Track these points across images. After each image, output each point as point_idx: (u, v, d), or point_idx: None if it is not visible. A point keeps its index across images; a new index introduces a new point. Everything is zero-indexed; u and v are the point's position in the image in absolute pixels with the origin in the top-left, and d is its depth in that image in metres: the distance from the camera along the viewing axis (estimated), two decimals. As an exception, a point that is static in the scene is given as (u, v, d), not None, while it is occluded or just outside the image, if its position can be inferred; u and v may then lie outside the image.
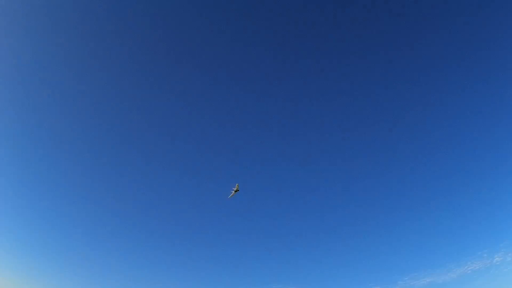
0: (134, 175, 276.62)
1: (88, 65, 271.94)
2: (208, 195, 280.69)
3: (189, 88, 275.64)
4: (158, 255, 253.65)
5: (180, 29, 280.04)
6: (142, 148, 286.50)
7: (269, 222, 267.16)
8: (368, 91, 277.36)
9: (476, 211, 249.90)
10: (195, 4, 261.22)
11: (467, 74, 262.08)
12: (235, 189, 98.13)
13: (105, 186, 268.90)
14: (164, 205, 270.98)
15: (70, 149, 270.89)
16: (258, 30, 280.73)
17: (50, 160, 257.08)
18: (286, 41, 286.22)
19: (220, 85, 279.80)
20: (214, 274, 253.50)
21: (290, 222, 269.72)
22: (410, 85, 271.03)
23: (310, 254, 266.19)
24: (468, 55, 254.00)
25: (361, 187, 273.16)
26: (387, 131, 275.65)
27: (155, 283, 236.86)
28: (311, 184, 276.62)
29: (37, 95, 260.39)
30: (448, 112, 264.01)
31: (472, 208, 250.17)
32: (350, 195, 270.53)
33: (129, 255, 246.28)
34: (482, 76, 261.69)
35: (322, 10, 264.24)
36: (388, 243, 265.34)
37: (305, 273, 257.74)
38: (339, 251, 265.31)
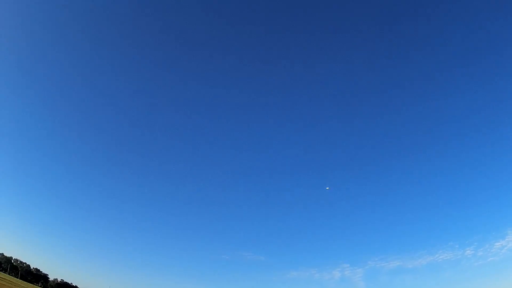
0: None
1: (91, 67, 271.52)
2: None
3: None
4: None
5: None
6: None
7: (251, 195, 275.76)
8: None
9: (453, 202, 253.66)
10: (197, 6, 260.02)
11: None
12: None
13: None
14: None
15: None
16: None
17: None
18: (283, 43, 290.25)
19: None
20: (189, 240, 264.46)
21: (267, 197, 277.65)
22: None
23: (283, 228, 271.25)
24: (468, 56, 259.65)
25: (343, 172, 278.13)
26: (365, 124, 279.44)
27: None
28: (291, 165, 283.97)
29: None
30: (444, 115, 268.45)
31: (449, 199, 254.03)
32: (330, 178, 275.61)
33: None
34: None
35: (325, 12, 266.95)
36: (361, 223, 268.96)
37: (278, 246, 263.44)
38: (311, 226, 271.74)
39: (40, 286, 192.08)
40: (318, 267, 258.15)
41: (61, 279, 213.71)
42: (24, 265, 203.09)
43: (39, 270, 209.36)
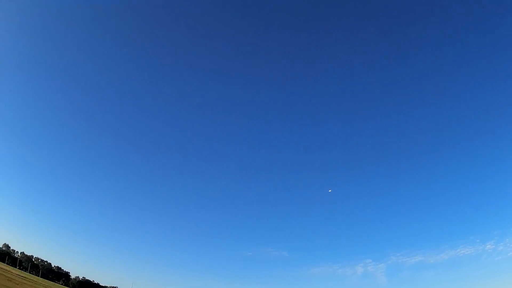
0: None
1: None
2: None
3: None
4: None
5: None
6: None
7: (270, 192, 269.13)
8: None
9: (473, 196, 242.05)
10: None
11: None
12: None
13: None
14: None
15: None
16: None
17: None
18: (283, 44, 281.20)
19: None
20: (215, 237, 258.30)
21: (290, 193, 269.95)
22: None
23: (307, 224, 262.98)
24: (469, 58, 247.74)
25: (362, 165, 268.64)
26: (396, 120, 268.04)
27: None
28: (309, 161, 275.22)
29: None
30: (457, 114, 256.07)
31: (469, 193, 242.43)
32: (350, 172, 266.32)
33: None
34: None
35: (333, 13, 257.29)
36: (383, 218, 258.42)
37: (301, 242, 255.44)
38: (334, 222, 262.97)
39: (62, 284, 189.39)
40: (341, 263, 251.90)
41: (83, 277, 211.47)
42: (45, 263, 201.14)
43: (60, 268, 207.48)
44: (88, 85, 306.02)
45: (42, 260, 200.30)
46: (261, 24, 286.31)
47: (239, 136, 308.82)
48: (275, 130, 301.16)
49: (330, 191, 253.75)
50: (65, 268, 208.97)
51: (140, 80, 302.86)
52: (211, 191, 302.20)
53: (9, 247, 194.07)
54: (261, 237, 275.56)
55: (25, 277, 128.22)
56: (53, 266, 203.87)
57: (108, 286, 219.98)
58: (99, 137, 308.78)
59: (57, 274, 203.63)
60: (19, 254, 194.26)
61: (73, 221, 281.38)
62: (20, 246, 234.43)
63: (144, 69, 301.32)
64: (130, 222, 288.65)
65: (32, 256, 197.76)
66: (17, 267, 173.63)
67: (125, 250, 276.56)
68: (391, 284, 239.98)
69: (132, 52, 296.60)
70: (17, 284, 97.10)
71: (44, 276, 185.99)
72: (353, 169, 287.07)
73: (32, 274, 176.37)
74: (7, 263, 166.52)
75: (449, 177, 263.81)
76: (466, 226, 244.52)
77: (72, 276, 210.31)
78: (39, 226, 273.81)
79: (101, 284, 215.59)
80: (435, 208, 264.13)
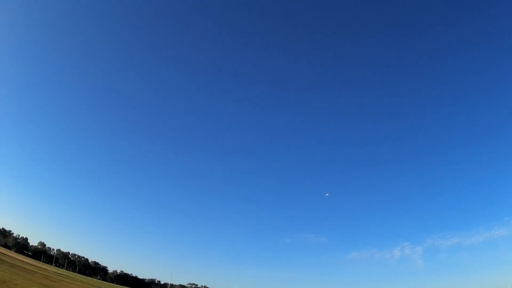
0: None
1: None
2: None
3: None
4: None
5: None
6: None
7: (306, 184, 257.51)
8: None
9: (507, 177, 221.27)
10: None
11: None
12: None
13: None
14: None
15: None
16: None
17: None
18: (288, 44, 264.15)
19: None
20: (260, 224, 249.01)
21: (327, 180, 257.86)
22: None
23: (344, 210, 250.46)
24: (469, 61, 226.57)
25: (398, 149, 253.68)
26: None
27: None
28: (345, 151, 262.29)
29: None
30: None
31: (503, 174, 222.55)
32: (386, 156, 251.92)
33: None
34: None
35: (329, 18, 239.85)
36: (420, 201, 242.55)
37: (339, 227, 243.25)
38: (372, 207, 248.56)
39: (99, 279, 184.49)
40: (378, 247, 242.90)
41: (121, 271, 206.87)
42: (82, 259, 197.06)
43: (97, 263, 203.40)
44: (90, 83, 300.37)
45: (78, 256, 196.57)
46: (268, 23, 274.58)
47: (273, 129, 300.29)
48: (300, 124, 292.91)
49: (327, 195, 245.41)
50: (102, 263, 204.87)
51: (139, 78, 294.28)
52: (251, 181, 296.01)
53: (45, 245, 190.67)
54: (300, 224, 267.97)
55: (61, 274, 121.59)
56: (90, 261, 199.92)
57: (147, 278, 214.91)
58: (119, 132, 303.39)
59: (94, 269, 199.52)
60: (55, 251, 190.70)
61: (110, 216, 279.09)
62: (57, 243, 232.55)
63: (141, 65, 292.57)
64: (168, 215, 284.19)
65: (68, 252, 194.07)
66: (54, 265, 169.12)
67: (163, 243, 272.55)
68: (428, 267, 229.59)
69: (131, 51, 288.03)
70: (54, 282, 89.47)
71: (81, 272, 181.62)
72: (388, 154, 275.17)
73: (69, 270, 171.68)
74: (43, 261, 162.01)
75: (482, 159, 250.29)
76: (500, 207, 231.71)
77: (110, 270, 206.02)
78: (76, 223, 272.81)
79: (139, 277, 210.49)
80: (470, 189, 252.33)
